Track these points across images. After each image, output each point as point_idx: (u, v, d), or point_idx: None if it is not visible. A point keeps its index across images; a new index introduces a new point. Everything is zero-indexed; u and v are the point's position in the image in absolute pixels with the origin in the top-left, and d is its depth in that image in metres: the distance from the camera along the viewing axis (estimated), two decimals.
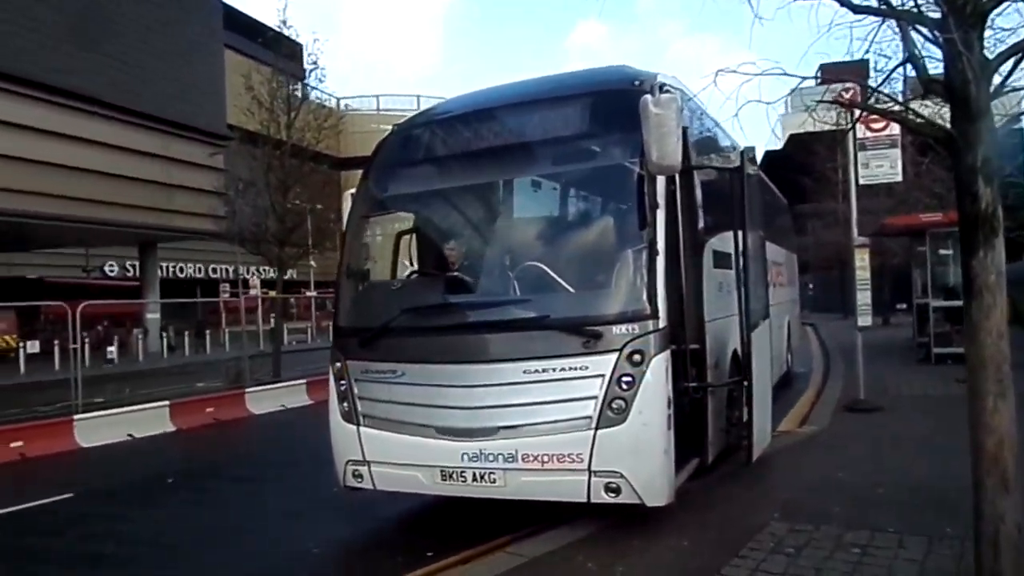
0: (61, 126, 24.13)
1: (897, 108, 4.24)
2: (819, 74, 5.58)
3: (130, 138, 26.70)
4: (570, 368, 5.17)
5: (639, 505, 5.12)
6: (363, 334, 5.96)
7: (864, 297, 9.84)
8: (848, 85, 8.35)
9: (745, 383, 6.54)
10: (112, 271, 44.00)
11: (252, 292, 33.39)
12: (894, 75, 4.02)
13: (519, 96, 6.40)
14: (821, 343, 21.38)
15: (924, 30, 3.54)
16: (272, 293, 23.76)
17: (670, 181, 5.68)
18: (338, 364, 6.09)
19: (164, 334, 30.50)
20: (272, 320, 21.99)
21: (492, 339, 5.47)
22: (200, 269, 48.10)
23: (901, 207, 21.78)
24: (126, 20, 26.41)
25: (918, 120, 3.77)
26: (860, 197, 23.67)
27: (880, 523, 5.17)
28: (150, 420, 12.05)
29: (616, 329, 5.13)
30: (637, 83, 5.56)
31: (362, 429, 5.85)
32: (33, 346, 23.50)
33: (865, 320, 9.94)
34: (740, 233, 6.48)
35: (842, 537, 4.94)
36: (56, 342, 22.70)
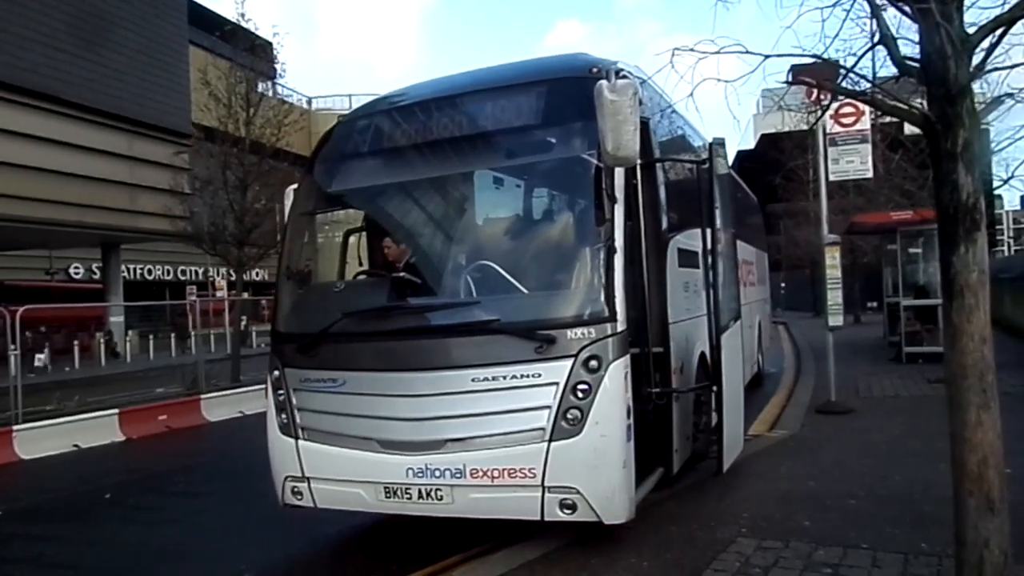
0: (22, 125, 23.31)
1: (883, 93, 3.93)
2: (790, 75, 5.26)
3: (93, 137, 25.90)
4: (521, 376, 4.78)
5: (597, 523, 4.75)
6: (301, 340, 5.53)
7: (835, 296, 9.56)
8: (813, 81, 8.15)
9: (715, 388, 6.25)
10: (77, 273, 42.95)
11: (219, 294, 32.74)
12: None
13: (470, 85, 6.00)
14: (793, 342, 21.22)
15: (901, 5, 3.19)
16: (245, 295, 23.10)
17: (631, 175, 5.32)
18: (276, 372, 5.66)
19: (127, 338, 29.67)
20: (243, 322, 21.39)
21: (437, 345, 5.06)
22: (168, 271, 47.12)
23: (871, 205, 21.69)
24: (91, 16, 25.64)
25: (890, 102, 3.42)
26: (831, 196, 23.73)
27: (853, 538, 4.84)
28: (98, 429, 11.50)
29: (571, 333, 4.75)
30: (594, 70, 5.17)
31: (301, 443, 5.43)
32: None
33: (836, 320, 9.66)
34: (709, 230, 6.16)
35: (812, 555, 4.60)
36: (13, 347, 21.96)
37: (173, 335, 29.47)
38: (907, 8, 3.08)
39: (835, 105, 8.80)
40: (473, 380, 4.85)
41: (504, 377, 4.80)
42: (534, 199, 5.96)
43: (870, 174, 10.72)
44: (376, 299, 5.43)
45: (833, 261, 9.57)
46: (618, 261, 4.86)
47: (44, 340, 25.09)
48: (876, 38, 3.41)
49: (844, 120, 9.23)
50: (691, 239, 7.16)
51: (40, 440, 10.70)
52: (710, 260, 6.19)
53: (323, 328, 5.35)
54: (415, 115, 5.87)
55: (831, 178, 10.16)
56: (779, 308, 38.39)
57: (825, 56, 3.26)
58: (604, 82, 4.58)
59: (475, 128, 5.63)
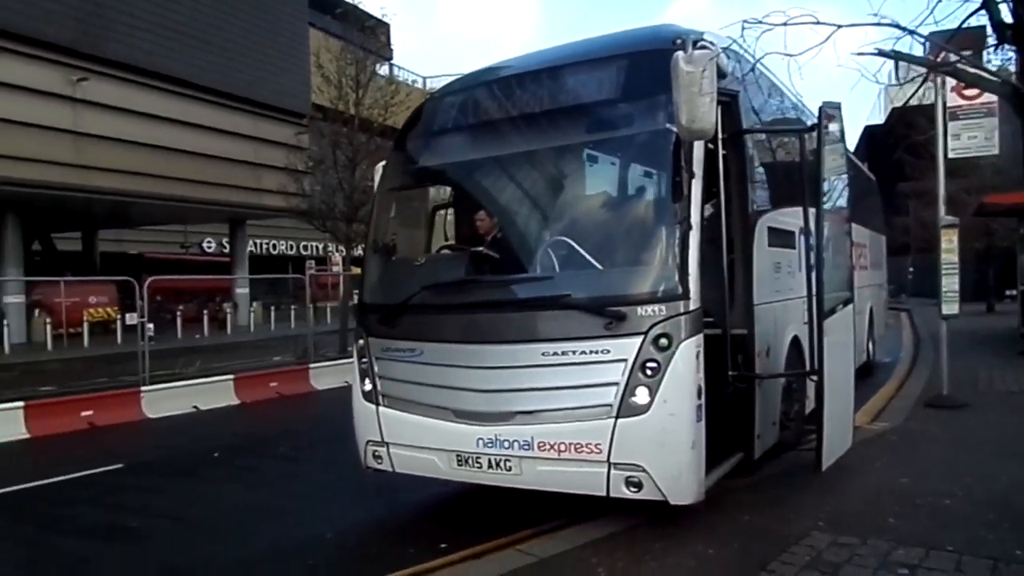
0: (157, 108, 25.14)
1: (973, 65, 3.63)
2: (926, 42, 4.91)
3: (221, 119, 27.60)
4: (590, 352, 4.77)
5: (663, 503, 4.69)
6: (384, 311, 5.72)
7: (951, 283, 8.90)
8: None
9: (815, 378, 5.65)
10: (210, 247, 45.93)
11: (335, 269, 34.12)
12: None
13: (555, 60, 5.95)
14: (914, 330, 19.97)
15: None
16: (356, 270, 23.98)
17: (714, 150, 5.16)
18: (361, 342, 5.89)
19: (251, 309, 31.45)
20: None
21: (509, 319, 5.10)
22: (292, 246, 49.58)
23: (1008, 184, 19.97)
24: (218, 3, 27.19)
25: (974, 72, 3.15)
26: (963, 174, 22.00)
27: (939, 540, 4.54)
28: (216, 393, 12.36)
29: (641, 310, 4.68)
30: (677, 42, 5.01)
31: (381, 409, 5.63)
32: (131, 318, 24.50)
33: (951, 308, 8.99)
34: (814, 206, 5.64)
35: (890, 554, 4.35)
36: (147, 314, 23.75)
37: (293, 307, 30.98)
38: None
39: (952, 82, 8.16)
40: (543, 354, 4.88)
41: (573, 352, 4.79)
42: (613, 174, 5.88)
43: (995, 151, 9.87)
44: (454, 273, 5.52)
45: (949, 245, 8.90)
46: (693, 238, 4.73)
47: (172, 309, 26.86)
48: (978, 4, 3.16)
49: (967, 92, 8.52)
50: (785, 217, 6.87)
51: (164, 401, 11.60)
52: (813, 239, 5.72)
53: (404, 300, 5.51)
54: (499, 92, 5.91)
55: (950, 155, 9.43)
56: (904, 294, 36.25)
57: (904, 25, 3.02)
58: (680, 53, 4.47)
59: (558, 103, 5.61)
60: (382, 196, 6.37)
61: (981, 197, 18.34)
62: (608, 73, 5.41)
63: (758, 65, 5.71)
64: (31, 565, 5.46)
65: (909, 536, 4.63)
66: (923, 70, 9.09)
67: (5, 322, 22.82)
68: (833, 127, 5.63)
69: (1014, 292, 24.40)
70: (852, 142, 41.24)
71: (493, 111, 5.83)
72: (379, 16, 21.45)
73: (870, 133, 45.78)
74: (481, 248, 5.50)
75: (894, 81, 3.34)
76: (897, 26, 3.03)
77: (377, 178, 6.57)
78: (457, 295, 5.37)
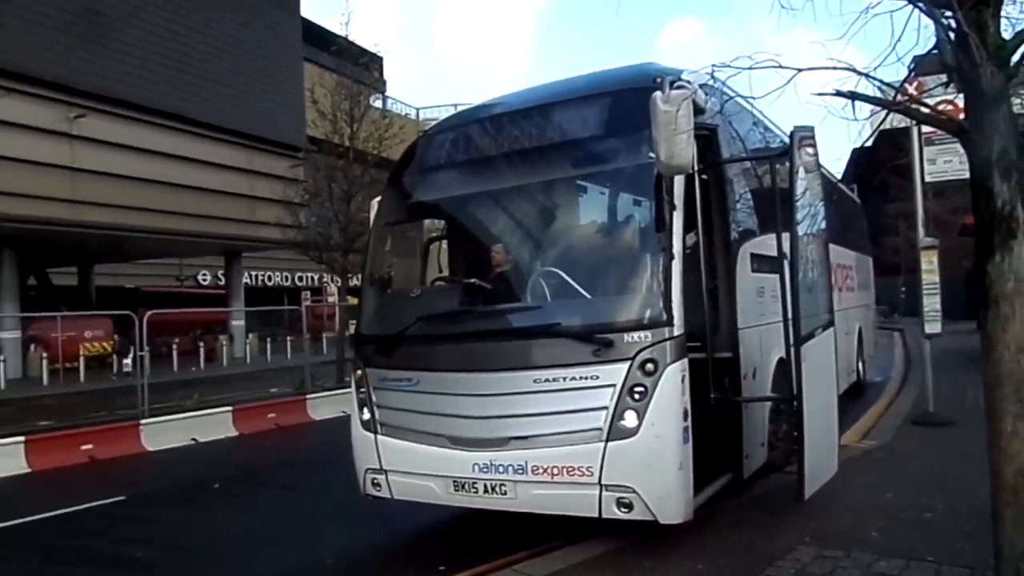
0: (152, 143, 25.46)
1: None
2: (912, 65, 5.16)
3: (216, 153, 27.94)
4: (580, 378, 4.97)
5: (654, 522, 4.86)
6: (380, 342, 5.92)
7: (932, 303, 9.15)
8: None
9: (796, 403, 5.52)
10: (205, 280, 46.10)
11: (331, 300, 34.31)
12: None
13: (541, 99, 6.22)
14: (906, 349, 20.19)
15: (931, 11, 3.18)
16: (352, 300, 24.14)
17: (695, 182, 5.41)
18: (358, 372, 6.07)
19: (247, 340, 31.54)
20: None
21: (501, 347, 5.31)
22: (287, 277, 49.78)
23: None
24: (212, 39, 27.64)
25: (924, 111, 3.40)
26: (947, 195, 22.36)
27: (920, 551, 4.74)
28: (214, 425, 12.45)
29: (628, 337, 4.89)
30: (657, 80, 5.28)
31: (380, 437, 5.80)
32: (127, 364, 24.51)
33: (934, 327, 9.24)
34: (788, 231, 5.69)
35: (872, 565, 4.54)
36: (148, 348, 23.84)
37: (289, 338, 31.07)
38: (937, 15, 3.07)
39: (933, 101, 8.49)
40: (535, 381, 5.07)
41: (564, 379, 4.99)
42: (598, 207, 6.14)
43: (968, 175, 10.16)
44: (448, 304, 5.74)
45: (930, 266, 9.17)
46: (676, 267, 4.95)
47: (168, 342, 26.89)
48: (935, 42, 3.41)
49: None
50: (768, 243, 7.10)
51: (163, 433, 11.69)
52: (787, 264, 5.72)
53: (400, 330, 5.71)
54: (490, 128, 6.17)
55: (927, 179, 9.74)
56: (897, 314, 36.54)
57: (859, 69, 3.27)
58: (658, 93, 4.70)
59: (544, 140, 5.85)
60: (377, 231, 6.59)
61: (965, 217, 18.66)
62: (593, 110, 5.68)
63: (738, 99, 6.01)
64: None
65: (891, 548, 4.82)
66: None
67: (1, 357, 22.88)
68: (806, 152, 5.80)
69: None
70: (840, 164, 41.77)
71: (484, 147, 6.07)
72: (373, 50, 21.83)
73: (857, 155, 46.46)
74: (474, 279, 5.72)
75: (852, 118, 3.57)
76: (852, 70, 3.27)
77: (373, 213, 6.80)
78: (451, 325, 5.58)
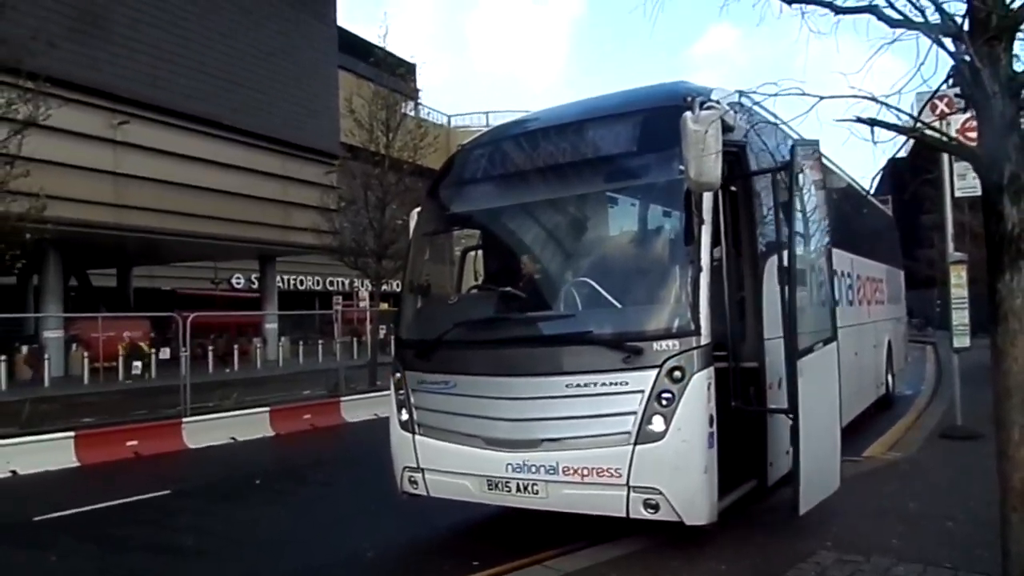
0: (190, 149, 26.20)
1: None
2: (929, 97, 5.28)
3: (251, 159, 28.63)
4: (610, 383, 5.20)
5: (679, 523, 5.07)
6: (420, 346, 6.21)
7: (961, 317, 9.24)
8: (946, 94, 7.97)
9: (791, 418, 5.38)
10: (239, 283, 46.97)
11: (362, 304, 34.79)
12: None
13: (576, 115, 6.50)
14: (938, 363, 20.05)
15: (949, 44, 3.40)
16: (384, 306, 24.54)
17: (724, 197, 5.63)
18: (398, 375, 6.36)
19: (279, 343, 32.13)
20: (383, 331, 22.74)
21: (536, 353, 5.58)
22: (319, 282, 50.51)
23: None
24: (248, 46, 28.37)
25: (939, 137, 3.61)
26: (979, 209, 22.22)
27: (938, 558, 4.90)
28: (252, 424, 12.87)
29: (656, 345, 5.13)
30: (688, 99, 5.50)
31: (417, 437, 6.08)
32: (164, 352, 25.16)
33: (962, 341, 9.32)
34: (787, 242, 5.61)
35: (891, 570, 4.72)
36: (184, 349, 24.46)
37: (320, 342, 31.60)
38: (951, 48, 3.28)
39: (962, 118, 8.62)
40: (567, 386, 5.33)
41: (595, 384, 5.24)
42: (630, 220, 6.40)
43: None
44: (485, 311, 6.02)
45: (959, 280, 9.25)
46: (704, 278, 5.18)
47: (204, 344, 27.49)
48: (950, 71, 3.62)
49: (970, 134, 8.93)
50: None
51: (204, 432, 12.13)
52: (787, 275, 5.63)
53: (438, 336, 6.00)
54: (524, 144, 6.46)
55: (957, 194, 9.84)
56: (930, 327, 36.13)
57: (878, 97, 3.49)
58: (688, 113, 4.94)
59: (578, 156, 6.12)
60: (416, 240, 6.89)
61: None
62: (625, 127, 5.94)
63: (767, 117, 6.22)
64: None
65: (910, 554, 4.99)
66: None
67: (46, 356, 23.63)
68: (808, 165, 5.77)
69: None
70: (875, 176, 41.29)
71: (519, 162, 6.35)
72: (409, 60, 22.30)
73: (894, 167, 45.99)
74: (509, 288, 5.99)
75: (873, 141, 3.77)
76: (872, 98, 3.48)
77: (412, 223, 7.10)
78: (488, 331, 5.85)
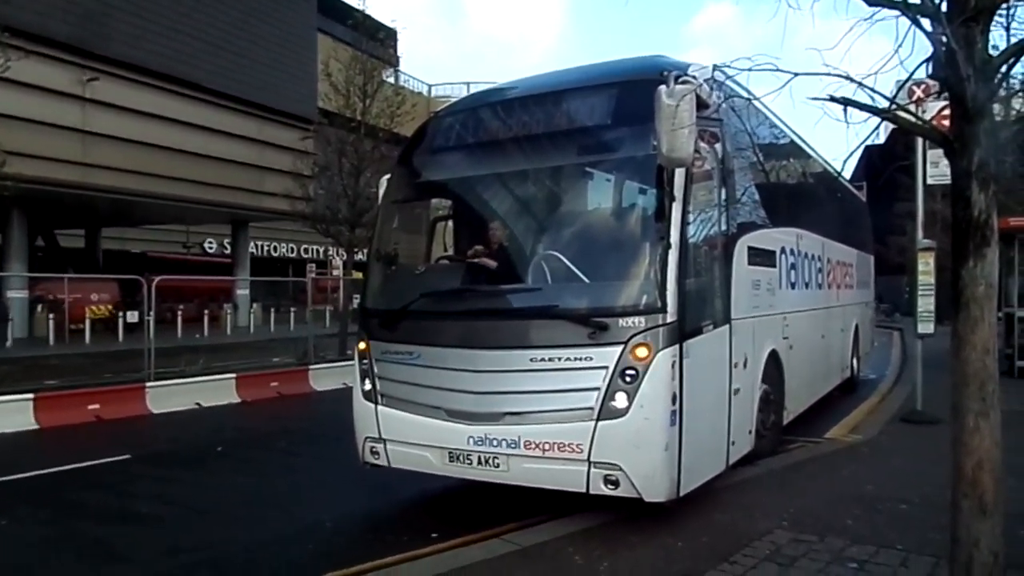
0: (163, 109, 25.63)
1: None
2: (901, 82, 5.30)
3: (226, 121, 28.10)
4: (575, 358, 5.17)
5: (639, 500, 5.08)
6: (384, 316, 6.12)
7: (926, 303, 9.33)
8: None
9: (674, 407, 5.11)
10: (211, 248, 46.40)
11: (335, 273, 34.54)
12: None
13: (551, 86, 6.37)
14: (904, 349, 20.38)
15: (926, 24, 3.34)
16: (357, 275, 24.37)
17: (694, 175, 5.56)
18: (362, 344, 6.28)
19: (251, 310, 31.83)
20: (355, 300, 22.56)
21: (501, 326, 5.52)
22: (292, 249, 50.04)
23: (999, 210, 20.37)
24: (226, 6, 27.68)
25: (912, 120, 3.57)
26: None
27: (890, 540, 4.95)
28: (218, 390, 12.73)
29: (622, 322, 5.09)
30: (664, 74, 5.41)
31: (380, 408, 6.02)
32: (132, 316, 24.74)
33: (927, 327, 9.42)
34: (671, 205, 5.19)
35: (844, 550, 4.75)
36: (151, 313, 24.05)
37: (292, 309, 31.34)
38: (928, 29, 3.22)
39: (938, 106, 8.63)
40: (531, 360, 5.29)
41: (559, 359, 5.20)
42: (600, 195, 6.32)
43: None
44: (451, 282, 5.95)
45: (926, 267, 9.33)
46: (672, 256, 5.14)
47: (173, 308, 27.11)
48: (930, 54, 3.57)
49: (946, 123, 8.94)
50: (763, 238, 7.31)
51: (168, 397, 11.97)
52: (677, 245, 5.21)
53: (403, 305, 5.92)
54: (498, 113, 6.34)
55: (930, 182, 9.88)
56: (898, 314, 36.67)
57: (853, 76, 3.42)
58: (663, 87, 4.84)
59: (550, 127, 6.01)
60: (385, 207, 6.76)
61: None
62: (600, 100, 5.84)
63: (745, 95, 6.14)
64: (52, 544, 5.83)
65: (864, 535, 5.04)
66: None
67: (9, 317, 23.16)
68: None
69: (1000, 314, 24.84)
70: (851, 163, 41.57)
71: (493, 131, 6.24)
72: (389, 25, 21.93)
73: (870, 152, 46.36)
74: (477, 259, 5.91)
75: (846, 122, 3.72)
76: (847, 77, 3.42)
77: (382, 190, 6.97)
78: (453, 303, 5.79)
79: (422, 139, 6.69)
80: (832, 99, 3.62)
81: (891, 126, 5.78)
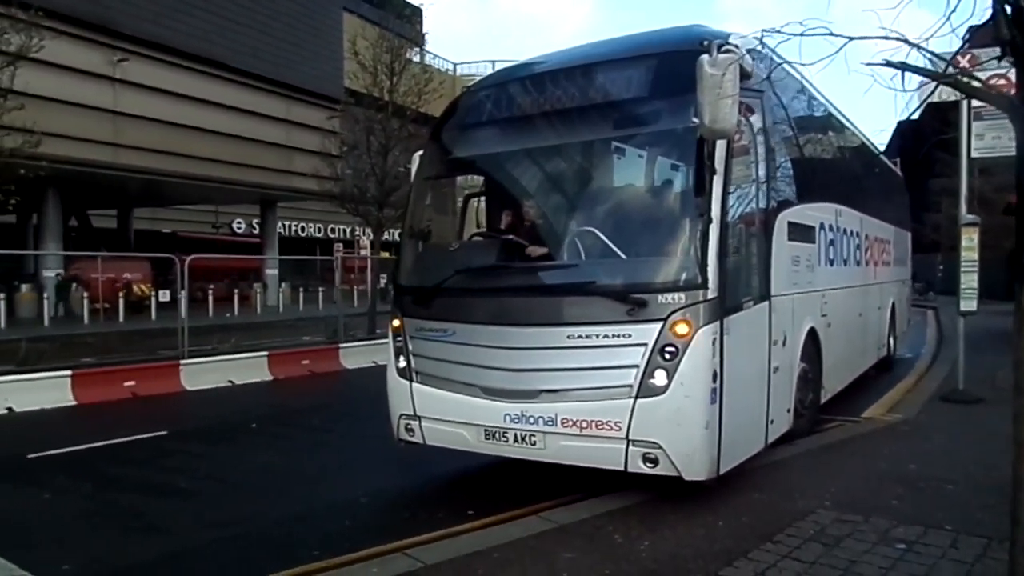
0: (192, 89, 25.79)
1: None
2: (967, 37, 5.13)
3: (254, 101, 28.20)
4: (613, 335, 5.08)
5: (678, 479, 5.01)
6: (419, 293, 6.07)
7: (969, 280, 9.09)
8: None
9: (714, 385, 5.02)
10: (240, 228, 46.78)
11: (363, 252, 34.66)
12: None
13: (586, 58, 6.24)
14: (939, 328, 20.01)
15: None
16: (385, 254, 24.42)
17: (736, 148, 5.42)
18: (396, 321, 6.24)
19: (280, 289, 32.09)
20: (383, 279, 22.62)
21: (537, 303, 5.45)
22: (319, 229, 50.30)
23: None
24: None
25: (975, 84, 3.40)
26: (997, 173, 21.86)
27: (937, 520, 4.83)
28: (250, 368, 12.86)
29: (661, 298, 4.99)
30: (704, 43, 5.26)
31: (414, 385, 5.99)
32: (164, 295, 25.05)
33: (969, 304, 9.19)
34: (711, 179, 5.08)
35: (890, 531, 4.65)
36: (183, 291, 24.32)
37: (321, 289, 31.53)
38: None
39: (985, 75, 8.34)
40: (568, 337, 5.21)
41: (597, 336, 5.12)
42: (638, 169, 6.19)
43: None
44: (487, 259, 5.85)
45: (970, 243, 9.08)
46: (713, 231, 5.02)
47: (204, 288, 27.38)
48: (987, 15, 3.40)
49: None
50: (804, 213, 7.15)
51: (201, 374, 12.12)
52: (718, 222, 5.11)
53: (438, 283, 5.86)
54: (532, 87, 6.20)
55: (974, 155, 9.59)
56: (932, 292, 36.00)
57: (911, 39, 3.27)
58: (705, 56, 4.71)
59: (587, 100, 5.89)
60: (418, 184, 6.69)
61: (1010, 196, 18.28)
62: (638, 72, 5.69)
63: (785, 66, 5.97)
64: (93, 516, 5.93)
65: (910, 516, 4.92)
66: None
67: (45, 295, 23.56)
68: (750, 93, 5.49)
69: None
70: (885, 136, 40.83)
71: (527, 105, 6.11)
72: (415, 3, 21.75)
73: (902, 129, 45.36)
74: (512, 236, 5.82)
75: (901, 88, 3.56)
76: (905, 40, 3.26)
77: (414, 167, 6.90)
78: (489, 279, 5.70)
79: (455, 114, 6.59)
80: (889, 64, 3.47)
81: (925, 100, 5.63)
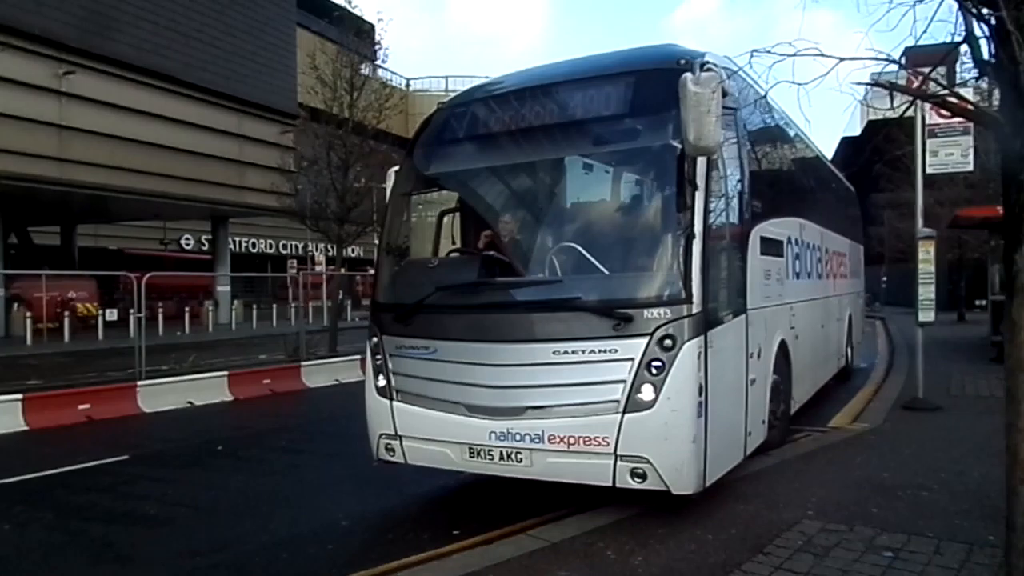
0: (141, 103, 25.15)
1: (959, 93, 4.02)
2: (903, 58, 5.32)
3: (205, 115, 27.63)
4: (599, 351, 5.09)
5: (666, 493, 5.03)
6: (398, 310, 6.00)
7: (927, 292, 9.39)
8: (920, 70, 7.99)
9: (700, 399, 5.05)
10: (188, 244, 45.78)
11: (317, 268, 34.25)
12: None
13: (563, 75, 6.28)
14: (889, 338, 20.62)
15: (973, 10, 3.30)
16: (343, 270, 24.12)
17: (715, 164, 5.51)
18: (374, 339, 6.14)
19: (232, 306, 31.44)
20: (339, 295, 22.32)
21: (521, 319, 5.43)
22: (271, 245, 49.53)
23: (980, 198, 20.73)
24: (206, 0, 27.21)
25: (963, 104, 3.53)
26: (938, 187, 22.75)
27: (919, 527, 4.95)
28: (210, 388, 12.52)
29: (647, 313, 5.02)
30: (681, 62, 5.36)
31: (395, 404, 5.90)
32: (111, 314, 24.27)
33: (927, 316, 9.49)
34: (693, 195, 5.14)
35: (875, 539, 4.75)
36: (131, 311, 23.56)
37: (275, 306, 30.98)
38: (980, 12, 3.18)
39: (964, 91, 8.69)
40: (554, 353, 5.20)
41: (583, 351, 5.12)
42: (619, 185, 6.24)
43: (970, 168, 10.41)
44: (468, 275, 5.81)
45: (927, 255, 9.38)
46: (696, 246, 5.08)
47: (154, 306, 26.63)
48: (961, 38, 3.53)
49: (944, 111, 8.97)
50: (775, 227, 7.31)
51: (159, 396, 11.74)
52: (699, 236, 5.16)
53: (418, 300, 5.79)
54: (509, 103, 6.20)
55: (928, 171, 9.94)
56: (878, 303, 37.12)
57: (897, 59, 3.39)
58: (688, 74, 4.79)
59: (565, 116, 5.93)
60: (395, 200, 6.63)
61: (954, 210, 19.02)
62: (617, 89, 5.75)
63: (750, 83, 6.11)
64: (59, 548, 5.66)
65: (892, 523, 5.03)
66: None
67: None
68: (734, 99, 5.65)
69: (984, 302, 25.24)
70: (828, 153, 42.06)
71: (505, 121, 6.11)
72: (373, 19, 21.60)
73: (846, 144, 46.88)
74: (493, 252, 5.80)
75: (888, 106, 3.70)
76: (894, 61, 3.38)
77: (390, 183, 6.84)
78: (472, 296, 5.66)
79: (433, 130, 6.54)
80: (878, 84, 3.58)
81: (866, 117, 5.85)
